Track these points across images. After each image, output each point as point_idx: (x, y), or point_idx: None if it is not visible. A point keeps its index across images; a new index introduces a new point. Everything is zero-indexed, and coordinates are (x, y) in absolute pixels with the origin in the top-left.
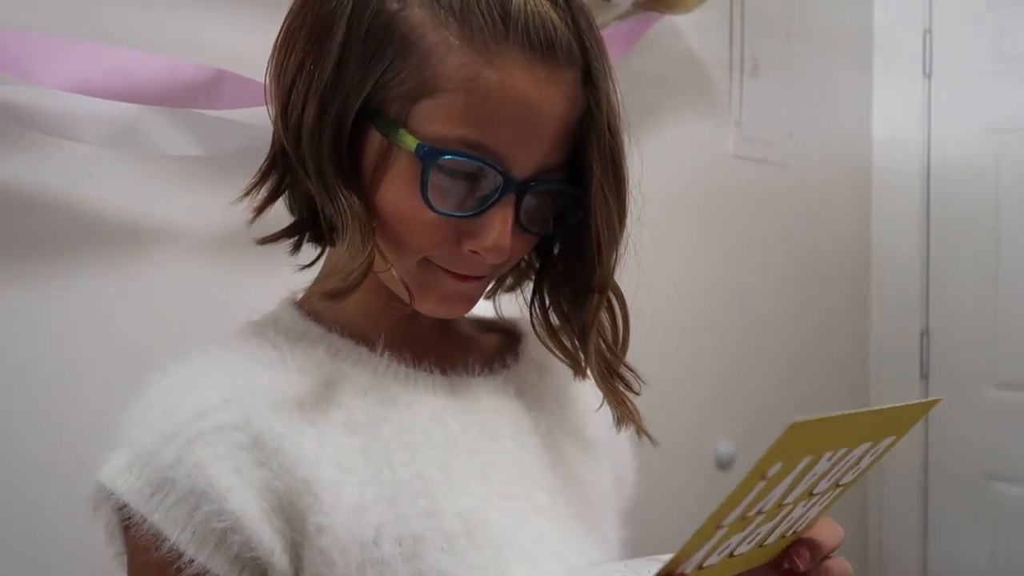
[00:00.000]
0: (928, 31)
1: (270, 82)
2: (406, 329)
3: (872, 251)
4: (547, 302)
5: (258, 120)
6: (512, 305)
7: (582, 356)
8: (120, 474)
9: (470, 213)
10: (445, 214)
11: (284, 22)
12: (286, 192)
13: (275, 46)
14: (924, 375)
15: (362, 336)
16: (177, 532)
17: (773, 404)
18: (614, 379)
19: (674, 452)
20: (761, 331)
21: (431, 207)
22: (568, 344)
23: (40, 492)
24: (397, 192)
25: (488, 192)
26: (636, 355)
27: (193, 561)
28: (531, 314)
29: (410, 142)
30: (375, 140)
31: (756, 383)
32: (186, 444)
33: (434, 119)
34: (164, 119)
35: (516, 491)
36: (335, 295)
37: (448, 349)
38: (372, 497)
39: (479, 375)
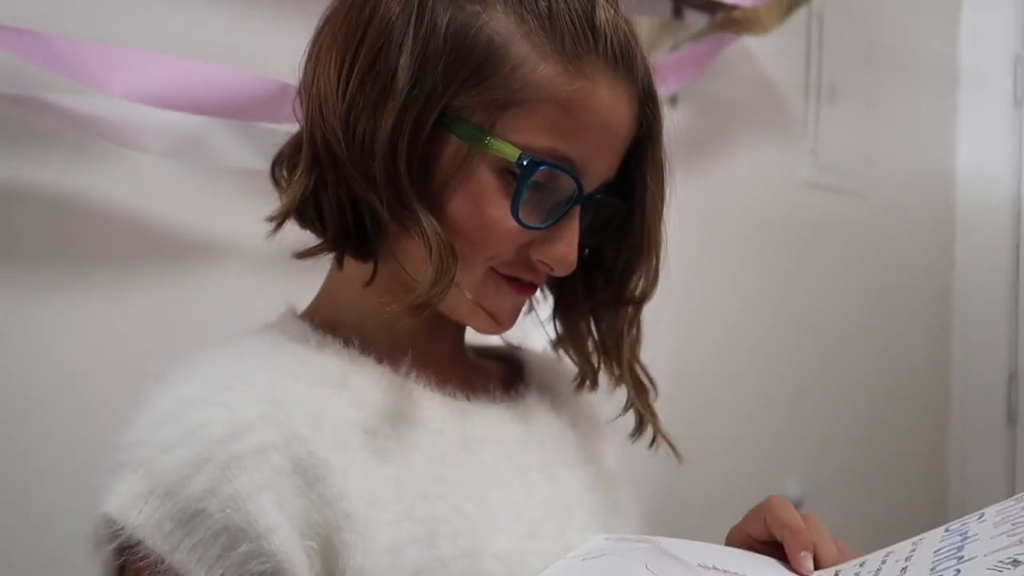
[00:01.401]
0: (1020, 58)
1: (310, 80)
2: (427, 350)
3: (955, 288)
4: (566, 312)
5: None
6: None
7: (611, 367)
8: (132, 504)
9: (546, 224)
10: (528, 226)
11: (322, 33)
12: (309, 203)
13: (314, 55)
14: (1012, 421)
15: (382, 353)
16: (205, 574)
17: (845, 445)
18: (644, 389)
19: (741, 492)
20: (833, 368)
21: (518, 220)
22: (590, 355)
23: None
24: (474, 202)
25: (562, 203)
26: (702, 389)
27: None
28: (554, 325)
29: (509, 152)
30: (450, 149)
31: (827, 423)
32: (220, 471)
33: (522, 129)
34: (228, 131)
35: (548, 530)
36: (419, 310)
37: (467, 373)
38: (408, 536)
39: (502, 402)
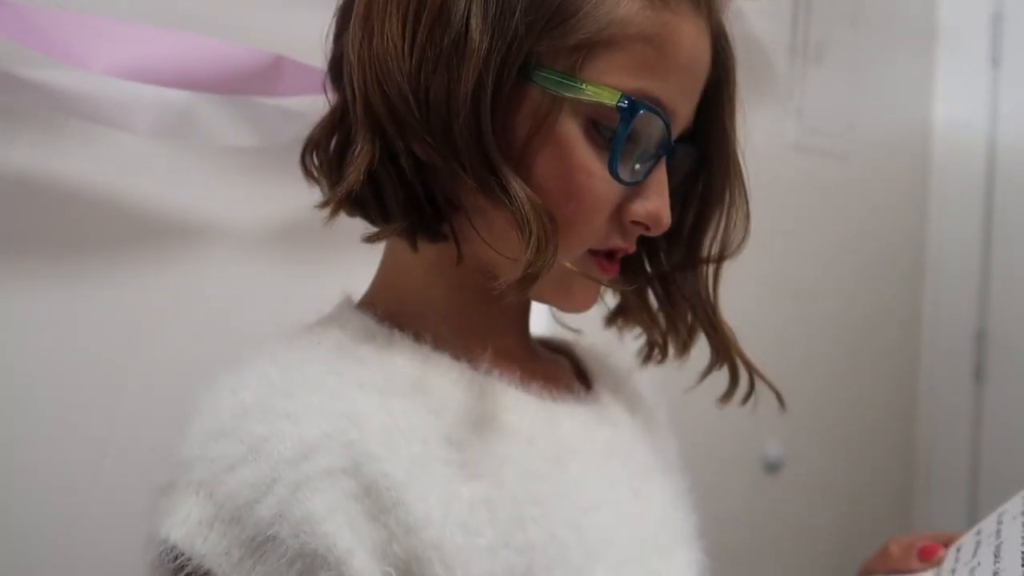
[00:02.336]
0: (998, 17)
1: (362, 45)
2: (505, 342)
3: (927, 246)
4: (631, 281)
5: (316, 109)
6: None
7: (679, 333)
8: (198, 531)
9: (640, 178)
10: (625, 182)
11: None
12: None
13: (361, 14)
14: (979, 378)
15: (457, 348)
16: None
17: (823, 405)
18: (732, 339)
19: (721, 454)
20: (812, 330)
21: (616, 175)
22: (658, 322)
23: (79, 505)
24: (562, 163)
25: (651, 152)
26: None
27: None
28: (625, 299)
29: (608, 95)
30: (529, 105)
31: (806, 383)
32: (290, 492)
33: (608, 71)
34: (218, 107)
35: (635, 553)
36: (523, 286)
37: (547, 368)
38: (503, 568)
39: (585, 402)
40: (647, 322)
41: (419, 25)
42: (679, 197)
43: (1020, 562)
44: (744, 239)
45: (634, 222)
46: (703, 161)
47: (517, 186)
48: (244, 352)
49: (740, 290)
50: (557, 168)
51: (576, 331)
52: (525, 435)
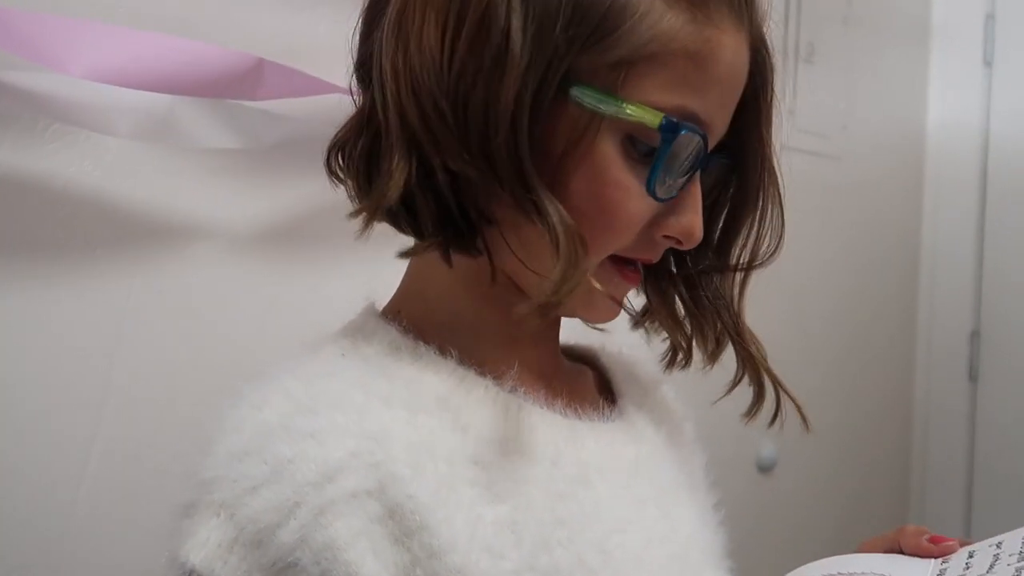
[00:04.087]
0: (991, 17)
1: (396, 56)
2: (531, 356)
3: (922, 248)
4: (658, 286)
5: (299, 112)
6: None
7: (706, 340)
8: (218, 555)
9: (674, 194)
10: (661, 199)
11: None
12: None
13: (394, 21)
14: (973, 378)
15: (483, 362)
16: None
17: (817, 406)
18: (758, 355)
19: (715, 453)
20: (807, 330)
21: (653, 194)
22: (683, 327)
23: (64, 506)
24: (597, 180)
25: (686, 169)
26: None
27: None
28: (650, 301)
29: (650, 117)
30: (566, 121)
31: (801, 383)
32: (313, 517)
33: (649, 88)
34: (200, 110)
35: (664, 575)
36: (547, 311)
37: (572, 383)
38: None
39: (611, 419)
40: (672, 326)
41: (459, 38)
42: (708, 203)
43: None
44: (778, 247)
45: (666, 236)
46: (737, 168)
47: (552, 206)
48: (268, 366)
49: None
50: (592, 184)
51: (603, 330)
52: (550, 456)
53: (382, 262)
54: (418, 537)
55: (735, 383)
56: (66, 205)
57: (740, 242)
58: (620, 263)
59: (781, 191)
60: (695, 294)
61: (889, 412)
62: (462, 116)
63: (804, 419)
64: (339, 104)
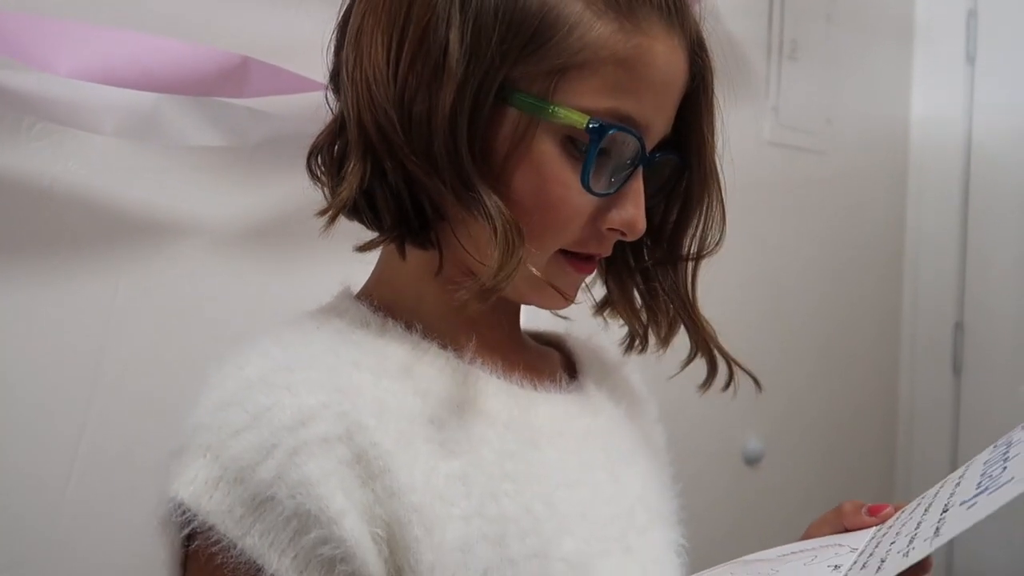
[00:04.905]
0: (973, 14)
1: (355, 67)
2: (491, 334)
3: (906, 242)
4: (614, 275)
5: (284, 109)
6: None
7: (660, 325)
8: (204, 490)
9: (612, 189)
10: (598, 194)
11: (358, 12)
12: (365, 191)
13: (353, 37)
14: (957, 370)
15: (445, 338)
16: (277, 559)
17: (803, 400)
18: (709, 330)
19: (702, 448)
20: (792, 325)
21: (588, 188)
22: (639, 314)
23: (51, 501)
24: (538, 177)
25: (625, 165)
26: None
27: None
28: (610, 292)
29: (577, 118)
30: (508, 124)
31: (786, 378)
32: (288, 457)
33: (581, 92)
34: (185, 108)
35: (612, 532)
36: (487, 296)
37: (531, 359)
38: (477, 534)
39: (567, 391)
40: (629, 314)
41: (401, 52)
42: (662, 197)
43: (938, 514)
44: (720, 239)
45: (610, 229)
46: (683, 165)
47: (490, 201)
48: (250, 334)
49: (720, 286)
50: (534, 182)
51: (565, 318)
52: (503, 419)
53: (364, 259)
54: (381, 480)
55: (688, 360)
56: (51, 204)
57: (690, 234)
58: (573, 256)
59: (722, 186)
60: (651, 285)
61: (874, 404)
62: (407, 124)
63: (756, 383)
64: (323, 102)
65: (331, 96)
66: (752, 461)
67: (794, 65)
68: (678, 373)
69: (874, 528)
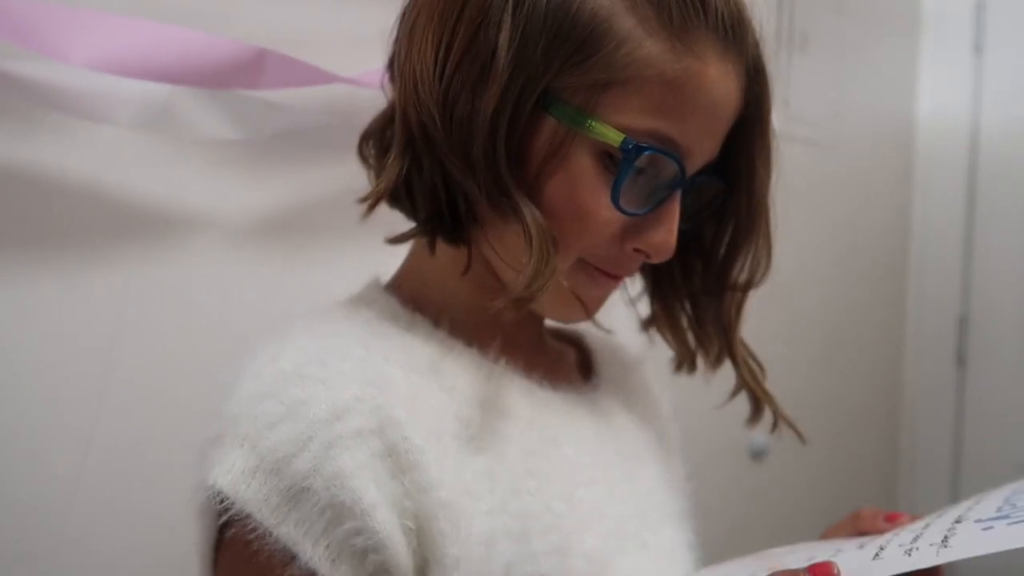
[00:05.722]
0: (980, 5)
1: (405, 61)
2: (515, 334)
3: (912, 235)
4: (663, 297)
5: (299, 102)
6: None
7: (708, 350)
8: (242, 479)
9: (645, 210)
10: (628, 213)
11: (415, 8)
12: (401, 185)
13: (407, 31)
14: (961, 363)
15: (470, 336)
16: (310, 547)
17: (809, 393)
18: (753, 371)
19: (708, 442)
20: (798, 317)
21: (619, 207)
22: (687, 337)
23: (64, 498)
24: (571, 187)
25: (662, 187)
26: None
27: None
28: (655, 312)
29: (612, 136)
30: (546, 130)
31: (791, 371)
32: (324, 450)
33: (623, 109)
34: (200, 100)
35: (628, 530)
36: (521, 305)
37: (551, 360)
38: (501, 529)
39: (582, 393)
40: (675, 336)
41: (450, 51)
42: (713, 222)
43: (950, 523)
44: (764, 276)
45: (637, 250)
46: (732, 193)
47: (526, 209)
48: (283, 326)
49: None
50: (566, 192)
51: (608, 331)
52: (525, 417)
53: (382, 252)
54: (411, 474)
55: (733, 393)
56: (63, 197)
57: (739, 263)
58: (595, 271)
59: (770, 223)
60: (698, 312)
61: (878, 397)
62: (448, 123)
63: (799, 434)
64: (341, 94)
65: (387, 83)
66: (758, 455)
67: (804, 57)
68: (724, 404)
69: (885, 536)
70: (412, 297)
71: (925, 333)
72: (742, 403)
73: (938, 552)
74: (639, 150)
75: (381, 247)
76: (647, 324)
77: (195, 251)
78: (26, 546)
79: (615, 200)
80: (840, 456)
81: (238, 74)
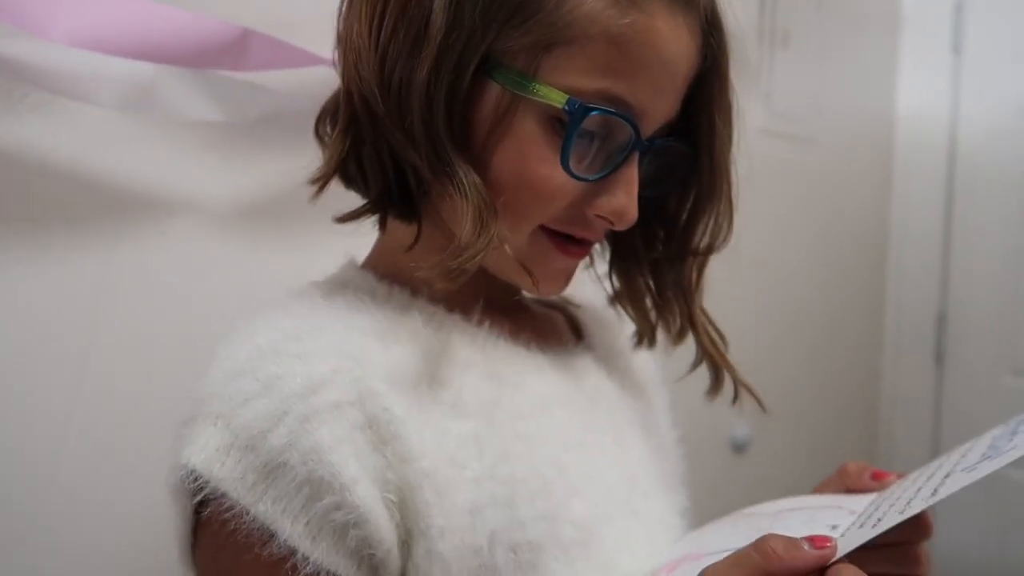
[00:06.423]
0: (959, 6)
1: (346, 32)
2: (497, 297)
3: (891, 232)
4: (624, 267)
5: (284, 84)
6: None
7: (670, 322)
8: (216, 458)
9: (601, 175)
10: (580, 178)
11: None
12: (351, 162)
13: (346, 4)
14: (939, 360)
15: (452, 302)
16: (289, 525)
17: (790, 387)
18: (715, 341)
19: (690, 434)
20: (778, 313)
21: (569, 171)
22: (648, 311)
23: (42, 484)
24: (520, 155)
25: (616, 151)
26: (672, 359)
27: (308, 559)
28: (611, 281)
29: (556, 96)
30: (491, 98)
31: (773, 366)
32: (300, 424)
33: (568, 70)
34: (184, 81)
35: (618, 495)
36: (456, 275)
37: (537, 323)
38: (488, 496)
39: (574, 354)
40: (635, 308)
41: (383, 20)
42: (677, 186)
43: (941, 479)
44: (726, 238)
45: (598, 216)
46: (692, 152)
47: (466, 176)
48: (255, 308)
49: (707, 274)
50: (515, 160)
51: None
52: (513, 381)
53: (368, 237)
54: (392, 445)
55: (693, 367)
56: (43, 178)
57: (701, 227)
58: (560, 239)
59: (731, 178)
60: (659, 281)
61: (858, 392)
62: (386, 94)
63: (759, 402)
64: (325, 77)
65: (337, 60)
66: (739, 448)
67: (786, 53)
68: (684, 376)
69: (875, 494)
70: (388, 272)
71: (903, 330)
72: (724, 397)
73: (927, 501)
74: (585, 110)
75: (366, 232)
76: (612, 298)
77: (176, 234)
78: (3, 532)
79: (565, 165)
80: (821, 450)
81: (222, 54)
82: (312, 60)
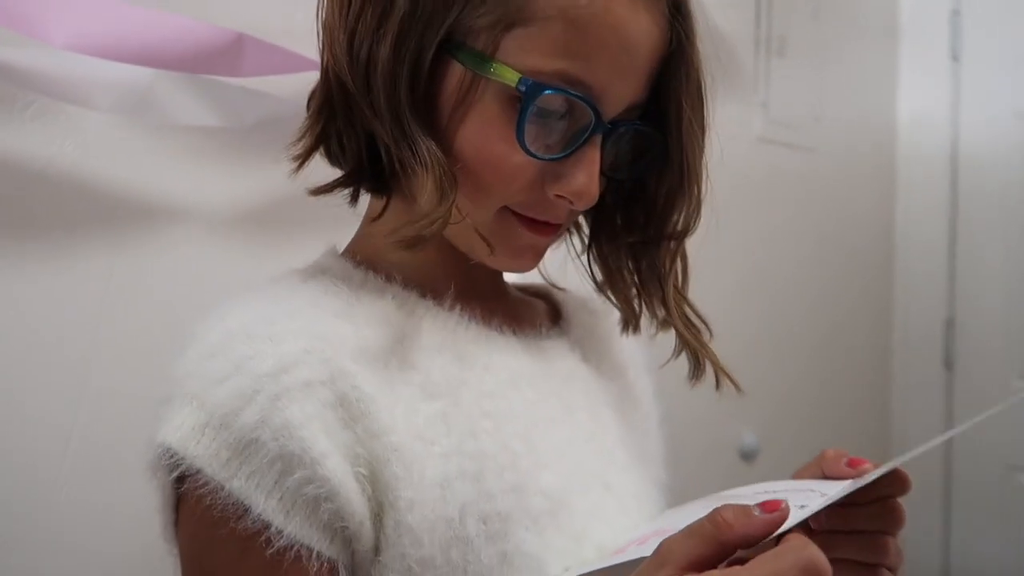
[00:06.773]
0: (956, 13)
1: (324, 14)
2: (470, 283)
3: (896, 239)
4: (605, 252)
5: (280, 90)
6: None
7: (654, 309)
8: (191, 436)
9: (560, 155)
10: (537, 156)
11: None
12: (332, 140)
13: None
14: (948, 365)
15: (424, 287)
16: (263, 499)
17: (797, 395)
18: (695, 327)
19: (698, 443)
20: (785, 321)
21: (525, 148)
22: (632, 298)
23: (44, 489)
24: (481, 133)
25: (577, 132)
26: (656, 342)
27: (282, 532)
28: (589, 266)
29: (510, 76)
30: (454, 76)
31: (780, 373)
32: (270, 402)
33: (528, 50)
34: (180, 86)
35: (592, 469)
36: (413, 242)
37: (512, 308)
38: (456, 470)
39: (548, 338)
40: (617, 295)
41: (353, 1)
42: (653, 171)
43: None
44: (694, 221)
45: (558, 196)
46: (661, 137)
47: (427, 148)
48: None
49: (711, 283)
50: (479, 139)
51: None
52: (481, 362)
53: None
54: (362, 422)
55: (675, 354)
56: (46, 185)
57: (676, 212)
58: (524, 219)
59: (698, 162)
60: (639, 265)
61: (867, 400)
62: (354, 71)
63: (735, 385)
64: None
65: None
66: (748, 456)
67: (782, 61)
68: (669, 362)
69: (850, 480)
70: (365, 259)
71: (912, 336)
72: (733, 405)
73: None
74: (538, 89)
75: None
76: (598, 286)
77: (177, 239)
78: (5, 537)
79: (521, 142)
80: None
81: (217, 59)
82: (308, 65)
